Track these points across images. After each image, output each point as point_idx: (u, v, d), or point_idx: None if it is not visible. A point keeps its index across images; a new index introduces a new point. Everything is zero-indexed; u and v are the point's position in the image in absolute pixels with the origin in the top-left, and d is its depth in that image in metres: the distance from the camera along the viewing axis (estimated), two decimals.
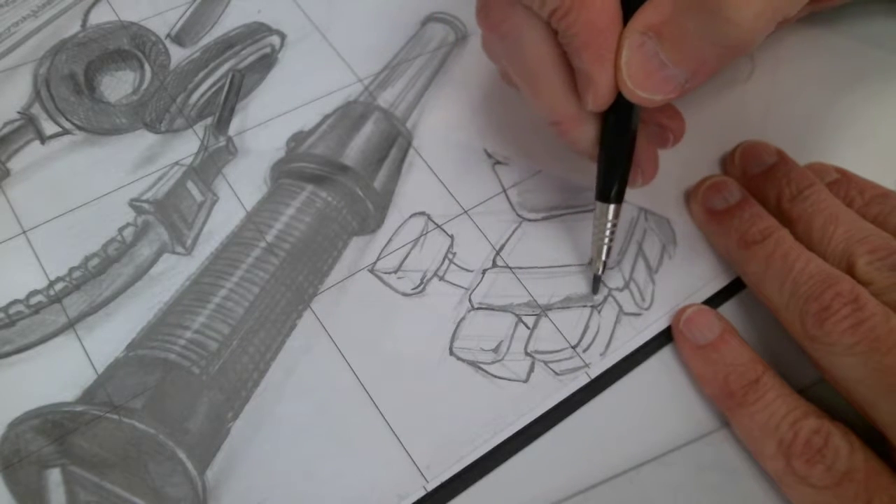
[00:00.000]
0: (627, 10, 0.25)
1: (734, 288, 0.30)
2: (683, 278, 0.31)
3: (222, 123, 0.33)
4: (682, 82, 0.25)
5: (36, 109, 0.33)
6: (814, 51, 0.37)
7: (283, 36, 0.36)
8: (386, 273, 0.30)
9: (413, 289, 0.30)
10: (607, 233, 0.29)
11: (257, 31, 0.37)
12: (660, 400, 0.28)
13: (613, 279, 0.30)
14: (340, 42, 0.36)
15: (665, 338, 0.29)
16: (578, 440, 0.27)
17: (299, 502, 0.25)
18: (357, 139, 0.33)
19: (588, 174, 0.33)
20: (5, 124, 0.33)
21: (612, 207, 0.28)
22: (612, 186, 0.28)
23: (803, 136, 0.34)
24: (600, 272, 0.29)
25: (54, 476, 0.25)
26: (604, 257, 0.29)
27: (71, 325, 0.28)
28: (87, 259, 0.29)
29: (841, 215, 0.29)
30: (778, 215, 0.30)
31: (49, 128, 0.33)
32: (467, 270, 0.30)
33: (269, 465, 0.26)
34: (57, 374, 0.27)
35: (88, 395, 0.26)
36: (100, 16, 0.36)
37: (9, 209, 0.30)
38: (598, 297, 0.30)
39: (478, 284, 0.30)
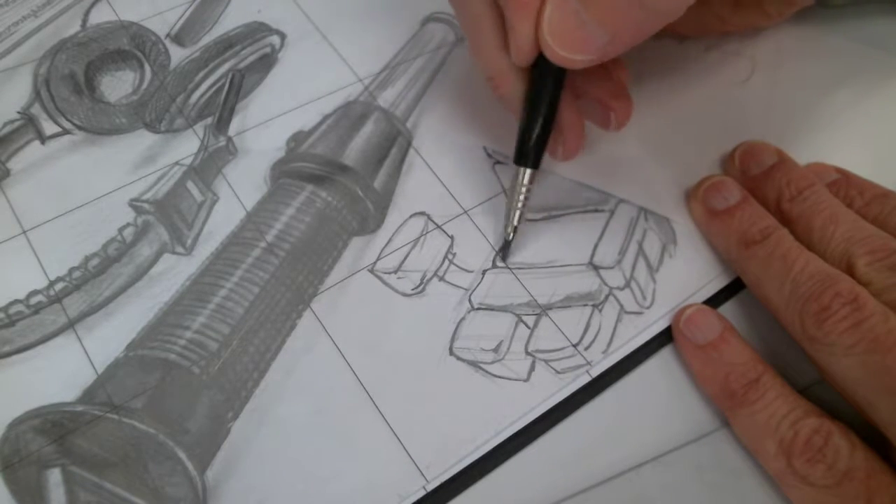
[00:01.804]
0: None
1: (734, 288, 0.30)
2: (684, 278, 0.31)
3: (222, 123, 0.33)
4: (603, 45, 0.25)
5: (36, 109, 0.33)
6: (814, 51, 0.38)
7: (283, 36, 0.36)
8: (386, 273, 0.30)
9: (413, 289, 0.30)
10: (521, 197, 0.29)
11: (257, 30, 0.37)
12: (660, 400, 0.28)
13: (614, 278, 0.30)
14: (340, 42, 0.36)
15: (666, 338, 0.29)
16: (578, 440, 0.27)
17: (299, 502, 0.25)
18: (357, 139, 0.33)
19: (588, 174, 0.33)
20: (5, 124, 0.33)
21: (526, 172, 0.29)
22: (524, 148, 0.28)
23: (803, 136, 0.34)
24: (510, 237, 0.30)
25: (54, 476, 0.25)
26: (515, 222, 0.29)
27: (71, 325, 0.28)
28: (87, 259, 0.29)
29: (841, 216, 0.29)
30: (778, 216, 0.30)
31: (49, 128, 0.33)
32: (467, 271, 0.30)
33: (269, 465, 0.26)
34: (57, 374, 0.27)
35: (88, 395, 0.26)
36: (100, 16, 0.36)
37: (9, 209, 0.30)
38: (599, 296, 0.30)
39: (478, 285, 0.30)
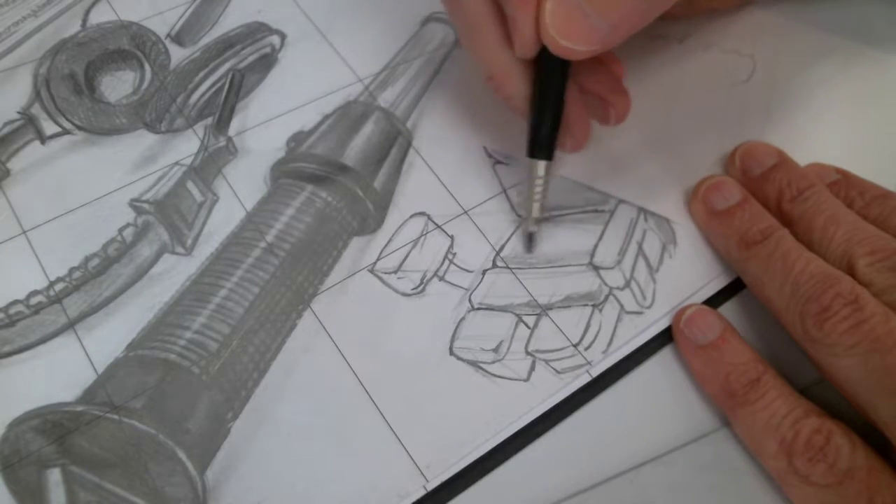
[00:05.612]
0: None
1: (734, 288, 0.30)
2: (684, 278, 0.31)
3: (222, 123, 0.33)
4: (605, 34, 0.25)
5: (36, 109, 0.33)
6: (814, 51, 0.38)
7: (283, 36, 0.36)
8: (386, 273, 0.30)
9: (413, 289, 0.30)
10: (537, 189, 0.29)
11: (257, 30, 0.37)
12: (660, 400, 0.28)
13: (614, 278, 0.30)
14: (340, 42, 0.36)
15: (666, 338, 0.29)
16: (579, 440, 0.27)
17: (299, 502, 0.25)
18: (357, 139, 0.33)
19: (588, 174, 0.33)
20: (5, 124, 0.33)
21: (540, 164, 0.29)
22: (538, 141, 0.29)
23: (803, 137, 0.34)
24: (534, 230, 0.30)
25: (54, 476, 0.25)
26: (534, 214, 0.30)
27: (71, 325, 0.28)
28: (87, 259, 0.29)
29: (841, 216, 0.29)
30: (778, 216, 0.30)
31: (49, 128, 0.33)
32: (467, 271, 0.30)
33: (269, 465, 0.26)
34: (57, 374, 0.27)
35: (88, 395, 0.26)
36: (100, 15, 0.36)
37: (9, 209, 0.30)
38: (599, 296, 0.30)
39: (478, 285, 0.30)
